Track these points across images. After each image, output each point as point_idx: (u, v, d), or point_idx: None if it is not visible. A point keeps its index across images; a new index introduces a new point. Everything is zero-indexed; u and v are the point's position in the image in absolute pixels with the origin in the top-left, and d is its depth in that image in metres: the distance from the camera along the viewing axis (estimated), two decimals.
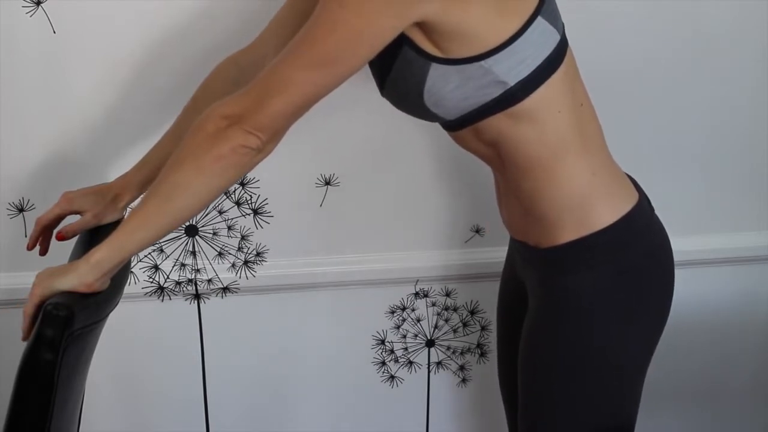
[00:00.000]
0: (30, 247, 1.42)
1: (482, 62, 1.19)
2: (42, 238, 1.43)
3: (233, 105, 1.18)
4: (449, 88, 1.21)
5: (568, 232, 1.31)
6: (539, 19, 1.21)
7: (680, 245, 1.91)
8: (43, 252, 1.43)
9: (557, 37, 1.24)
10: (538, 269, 1.38)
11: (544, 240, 1.34)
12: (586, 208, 1.30)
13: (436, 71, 1.20)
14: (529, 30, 1.20)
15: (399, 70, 1.22)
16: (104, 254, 1.20)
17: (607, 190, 1.32)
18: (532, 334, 1.38)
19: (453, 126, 1.29)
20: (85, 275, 1.19)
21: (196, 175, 1.18)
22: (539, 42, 1.21)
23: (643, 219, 1.35)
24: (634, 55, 1.85)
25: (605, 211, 1.31)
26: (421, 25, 1.17)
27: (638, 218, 1.33)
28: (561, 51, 1.25)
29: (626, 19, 1.82)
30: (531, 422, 1.40)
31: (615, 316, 1.33)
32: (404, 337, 1.99)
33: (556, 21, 1.25)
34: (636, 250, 1.33)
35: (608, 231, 1.30)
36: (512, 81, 1.21)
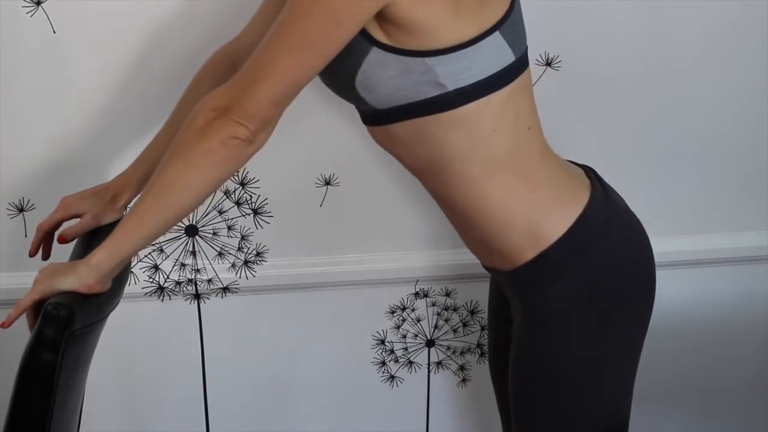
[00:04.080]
0: (32, 254, 1.42)
1: (426, 59, 1.18)
2: (44, 243, 1.43)
3: (221, 96, 1.17)
4: (386, 76, 1.20)
5: (526, 253, 1.30)
6: (496, 35, 1.20)
7: (680, 245, 1.92)
8: (46, 256, 1.43)
9: (511, 58, 1.23)
10: (513, 290, 1.38)
11: (507, 264, 1.34)
12: (535, 226, 1.29)
13: (375, 56, 1.19)
14: (483, 42, 1.19)
15: None
16: (103, 256, 1.20)
17: (553, 202, 1.30)
18: (518, 352, 1.38)
19: (378, 118, 1.27)
20: (86, 277, 1.19)
21: (188, 171, 1.17)
22: (490, 57, 1.20)
23: (600, 216, 1.32)
24: (635, 56, 1.85)
25: (555, 222, 1.29)
26: (380, 10, 1.16)
27: (592, 218, 1.31)
28: (511, 72, 1.24)
29: (626, 19, 1.82)
30: None
31: (593, 320, 1.32)
32: (404, 337, 1.99)
33: (515, 42, 1.24)
34: (600, 249, 1.32)
35: (564, 240, 1.29)
36: (451, 86, 1.20)
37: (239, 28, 1.50)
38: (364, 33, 1.18)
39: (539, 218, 1.29)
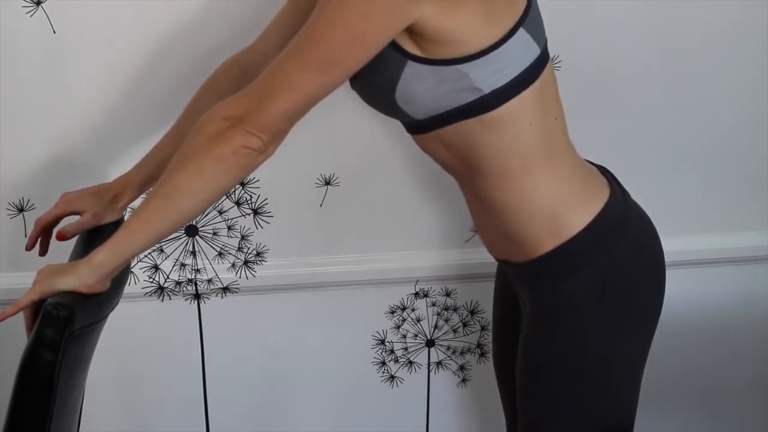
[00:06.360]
0: (29, 247, 1.42)
1: (459, 66, 1.19)
2: (41, 238, 1.43)
3: (234, 106, 1.18)
4: (423, 88, 1.21)
5: (545, 244, 1.31)
6: (521, 31, 1.21)
7: (680, 245, 1.92)
8: (43, 252, 1.43)
9: (537, 52, 1.24)
10: (524, 283, 1.38)
11: (524, 255, 1.34)
12: (558, 218, 1.30)
13: (411, 69, 1.20)
14: (511, 41, 1.20)
15: (373, 65, 1.20)
16: (105, 256, 1.20)
17: (576, 197, 1.32)
18: (528, 346, 1.38)
19: (420, 127, 1.28)
20: (87, 277, 1.19)
21: (197, 176, 1.18)
22: (519, 54, 1.21)
23: (617, 214, 1.34)
24: (634, 56, 1.85)
25: (576, 216, 1.31)
26: (409, 26, 1.17)
27: (611, 215, 1.33)
28: (539, 65, 1.25)
29: (626, 19, 1.82)
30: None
31: (606, 316, 1.33)
32: (404, 337, 1.99)
33: (538, 35, 1.25)
34: (616, 246, 1.33)
35: (583, 234, 1.30)
36: (487, 89, 1.21)
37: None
38: (397, 48, 1.19)
39: (562, 210, 1.30)
